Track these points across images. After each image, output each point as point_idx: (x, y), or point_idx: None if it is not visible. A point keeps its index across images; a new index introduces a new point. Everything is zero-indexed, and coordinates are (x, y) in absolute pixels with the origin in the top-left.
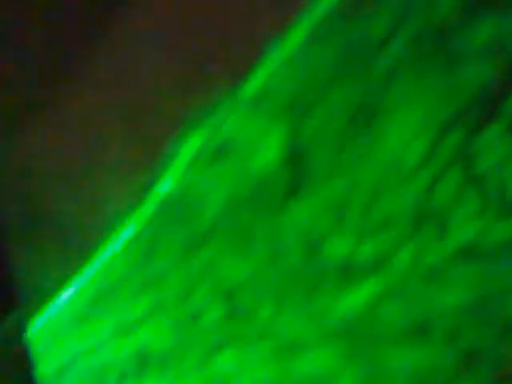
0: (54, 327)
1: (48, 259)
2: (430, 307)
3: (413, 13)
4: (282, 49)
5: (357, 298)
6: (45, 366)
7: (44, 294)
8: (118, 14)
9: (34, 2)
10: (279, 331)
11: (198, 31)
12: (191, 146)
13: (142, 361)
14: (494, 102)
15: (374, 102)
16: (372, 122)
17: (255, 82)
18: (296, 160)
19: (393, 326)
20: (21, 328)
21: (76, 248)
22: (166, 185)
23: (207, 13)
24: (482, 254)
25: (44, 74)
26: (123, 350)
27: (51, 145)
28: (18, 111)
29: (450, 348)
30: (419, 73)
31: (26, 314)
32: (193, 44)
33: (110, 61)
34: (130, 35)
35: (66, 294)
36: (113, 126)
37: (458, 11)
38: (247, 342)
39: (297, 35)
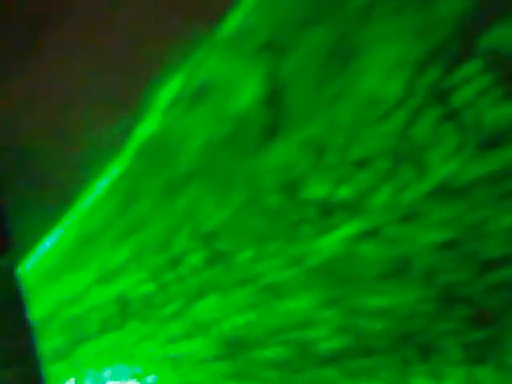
0: (37, 275)
1: (27, 207)
2: (407, 246)
3: None
4: None
5: (335, 239)
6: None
7: (25, 243)
8: None
9: None
10: (258, 276)
11: None
12: (170, 88)
13: (124, 307)
14: (470, 38)
15: (351, 41)
16: (349, 60)
17: (232, 23)
18: (274, 100)
19: (370, 266)
20: (13, 272)
21: (56, 195)
22: (145, 128)
23: None
24: (459, 192)
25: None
26: (105, 297)
27: (34, 87)
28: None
29: (427, 287)
30: (395, 9)
31: (16, 258)
32: None
33: (90, 5)
34: None
35: (48, 242)
36: (94, 69)
37: None
38: (227, 288)
39: None
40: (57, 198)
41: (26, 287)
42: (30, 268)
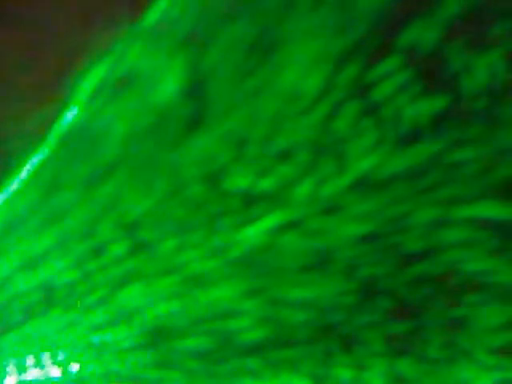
0: None
1: None
2: (329, 239)
3: None
4: None
5: (257, 230)
6: None
7: None
8: None
9: None
10: (182, 265)
11: None
12: (93, 78)
13: (47, 295)
14: (390, 33)
15: (271, 35)
16: (270, 54)
17: (155, 13)
18: (196, 93)
19: (293, 258)
20: None
21: None
22: (68, 118)
23: None
24: (378, 186)
25: None
26: (28, 286)
27: None
28: None
29: (347, 280)
30: (314, 5)
31: None
32: None
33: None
34: None
35: None
36: (14, 59)
37: None
38: (151, 277)
39: None
40: None
41: None
42: None
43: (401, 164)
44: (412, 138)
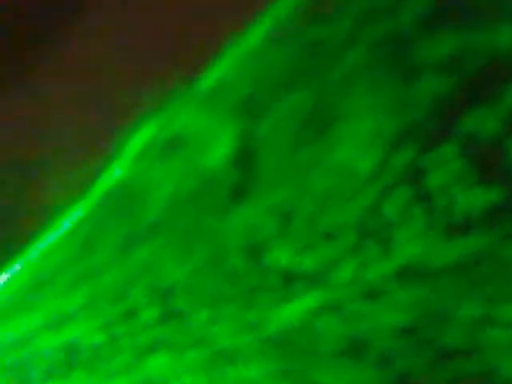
0: None
1: None
2: (366, 326)
3: (373, 20)
4: (240, 47)
5: (295, 309)
6: None
7: None
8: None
9: None
10: (213, 338)
11: (156, 26)
12: (141, 137)
13: (70, 357)
14: (448, 120)
15: (329, 109)
16: (325, 129)
17: (211, 77)
18: (245, 161)
19: (328, 341)
20: None
21: (15, 232)
22: (112, 175)
23: (167, 11)
24: (423, 275)
25: None
26: (52, 345)
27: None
28: None
29: (382, 370)
30: (375, 82)
31: None
32: (152, 38)
33: (67, 51)
34: (83, 29)
35: (2, 279)
36: (65, 111)
37: (420, 22)
38: (180, 347)
39: (256, 34)
40: (16, 235)
41: None
42: None
43: (448, 255)
44: (462, 229)
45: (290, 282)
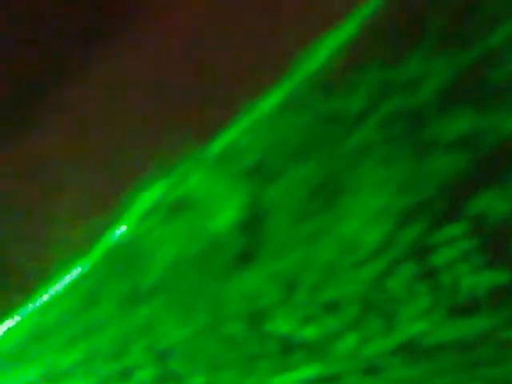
0: None
1: None
2: None
3: (390, 94)
4: (255, 112)
5: (293, 379)
6: None
7: None
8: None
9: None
10: None
11: (173, 88)
12: (149, 197)
13: None
14: (459, 199)
15: (339, 180)
16: (334, 199)
17: (223, 141)
18: (252, 226)
19: None
20: None
21: (15, 284)
22: (117, 233)
23: (185, 73)
24: (424, 353)
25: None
26: None
27: (5, 174)
28: None
29: None
30: (388, 156)
31: None
32: (166, 99)
33: (79, 103)
34: (104, 81)
35: (1, 330)
36: (74, 165)
37: (436, 99)
38: None
39: (271, 101)
40: (17, 287)
41: None
42: None
43: (451, 334)
44: (467, 309)
45: (289, 350)
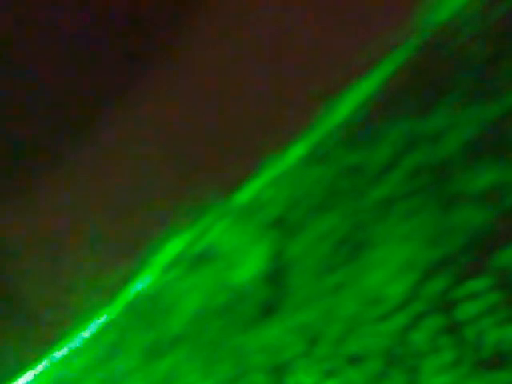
0: None
1: (6, 344)
2: None
3: (415, 147)
4: (279, 165)
5: None
6: None
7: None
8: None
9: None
10: None
11: (197, 140)
12: (172, 248)
13: None
14: (484, 253)
15: (363, 233)
16: (357, 253)
17: (247, 193)
18: (276, 279)
19: None
20: None
21: (37, 335)
22: (140, 284)
23: (208, 123)
24: None
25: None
26: None
27: (28, 225)
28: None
29: None
30: (412, 209)
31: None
32: (190, 151)
33: (98, 154)
34: (126, 133)
35: (21, 382)
36: (101, 213)
37: (462, 152)
38: None
39: (295, 153)
40: (39, 337)
41: None
42: None
43: None
44: (492, 364)
45: None
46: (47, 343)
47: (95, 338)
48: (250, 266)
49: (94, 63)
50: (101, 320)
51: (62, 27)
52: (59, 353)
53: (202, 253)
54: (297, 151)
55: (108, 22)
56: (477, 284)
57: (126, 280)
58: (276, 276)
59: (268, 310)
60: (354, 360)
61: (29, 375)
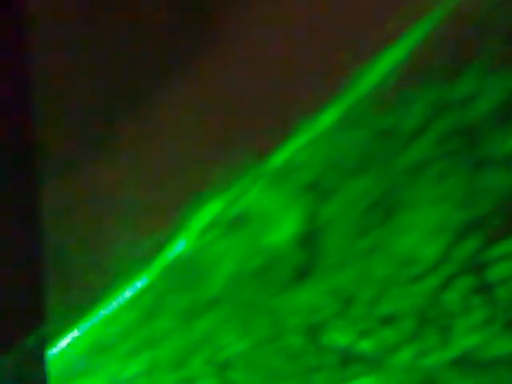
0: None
1: (50, 306)
2: None
3: (446, 110)
4: (312, 128)
5: None
6: None
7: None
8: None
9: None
10: None
11: (231, 104)
12: (208, 212)
13: None
14: None
15: (395, 196)
16: (389, 216)
17: (281, 157)
18: (310, 242)
19: None
20: (43, 349)
21: (78, 297)
22: (177, 247)
23: (242, 88)
24: (480, 366)
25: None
26: None
27: (72, 191)
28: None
29: None
30: (443, 172)
31: (48, 335)
32: (226, 115)
33: (141, 126)
34: (166, 103)
35: (63, 342)
36: (138, 179)
37: (492, 115)
38: None
39: (328, 117)
40: (81, 299)
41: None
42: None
43: (507, 347)
44: None
45: (346, 363)
46: (87, 305)
47: (134, 301)
48: (284, 228)
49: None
50: (139, 283)
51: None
52: (100, 315)
53: (238, 216)
54: (330, 116)
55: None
56: (508, 245)
57: (163, 244)
58: (310, 239)
59: (302, 273)
60: (388, 320)
61: (70, 336)
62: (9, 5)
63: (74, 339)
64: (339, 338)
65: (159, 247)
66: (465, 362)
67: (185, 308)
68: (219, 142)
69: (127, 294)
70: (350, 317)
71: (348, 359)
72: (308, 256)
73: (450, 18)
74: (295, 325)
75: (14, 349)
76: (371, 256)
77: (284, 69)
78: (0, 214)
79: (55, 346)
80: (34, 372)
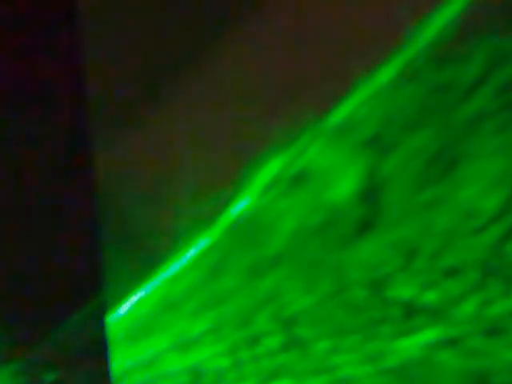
0: (117, 332)
1: (117, 267)
2: (488, 361)
3: (504, 64)
4: (371, 84)
5: (415, 342)
6: None
7: (110, 301)
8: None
9: None
10: (334, 367)
11: (291, 62)
12: (270, 170)
13: (196, 379)
14: None
15: (456, 148)
16: (450, 168)
17: (340, 114)
18: (370, 197)
19: (447, 376)
20: (102, 314)
21: (143, 257)
22: (239, 206)
23: (300, 46)
24: None
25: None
26: (177, 367)
27: (138, 152)
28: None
29: None
30: (503, 124)
31: (105, 307)
32: (286, 72)
33: (201, 83)
34: (228, 59)
35: (129, 303)
36: (198, 139)
37: None
38: (302, 374)
39: (386, 73)
40: (146, 262)
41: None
42: (112, 323)
43: None
44: None
45: (411, 315)
46: (152, 265)
47: (198, 260)
48: (345, 184)
49: None
50: (203, 243)
51: None
52: (165, 274)
53: (298, 173)
54: (388, 71)
55: None
56: None
57: (225, 203)
58: (371, 194)
59: (364, 227)
60: (451, 272)
61: (136, 296)
62: None
63: (140, 299)
64: (403, 290)
65: (221, 206)
66: None
67: (248, 266)
68: (280, 99)
69: (191, 254)
70: (413, 269)
71: (412, 311)
72: (369, 211)
73: None
74: (358, 279)
75: (75, 313)
76: (433, 209)
77: (341, 24)
78: (57, 178)
79: (121, 307)
80: (96, 335)
